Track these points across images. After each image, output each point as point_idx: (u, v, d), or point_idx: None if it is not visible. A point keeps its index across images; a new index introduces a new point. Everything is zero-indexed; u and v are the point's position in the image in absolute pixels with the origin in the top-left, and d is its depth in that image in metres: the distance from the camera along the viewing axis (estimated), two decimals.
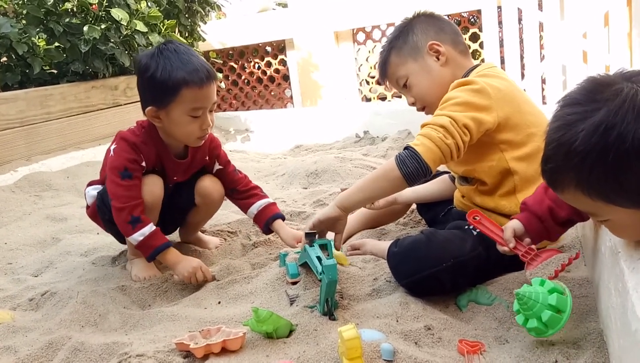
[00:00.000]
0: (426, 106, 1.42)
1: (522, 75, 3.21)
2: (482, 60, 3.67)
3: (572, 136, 0.82)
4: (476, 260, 1.24)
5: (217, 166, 1.67)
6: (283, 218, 1.66)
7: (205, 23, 4.32)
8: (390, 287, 1.29)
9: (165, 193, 1.56)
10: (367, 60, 4.32)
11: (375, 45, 4.26)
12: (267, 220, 1.63)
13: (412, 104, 1.45)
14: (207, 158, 1.65)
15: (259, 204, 1.65)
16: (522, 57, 3.23)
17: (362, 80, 4.41)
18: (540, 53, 3.16)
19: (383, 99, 4.33)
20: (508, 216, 1.29)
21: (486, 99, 1.24)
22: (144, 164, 1.50)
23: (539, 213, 1.13)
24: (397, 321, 1.13)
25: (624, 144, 0.77)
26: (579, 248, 1.41)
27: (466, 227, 1.30)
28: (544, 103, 3.22)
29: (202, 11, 4.16)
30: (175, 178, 1.60)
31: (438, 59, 1.38)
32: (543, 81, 3.22)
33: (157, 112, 1.46)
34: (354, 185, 1.33)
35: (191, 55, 1.46)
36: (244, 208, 1.68)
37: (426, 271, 1.20)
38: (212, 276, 1.47)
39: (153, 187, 1.50)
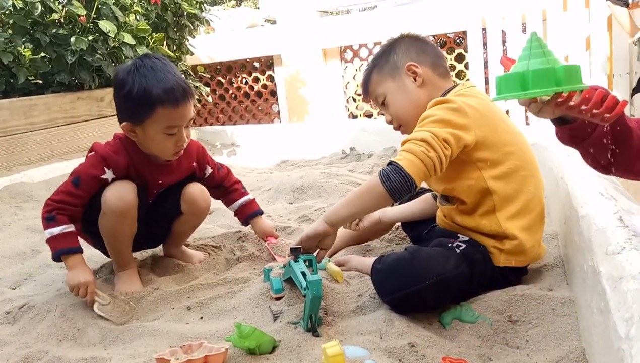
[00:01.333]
0: (401, 125, 1.44)
1: None
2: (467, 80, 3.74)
3: None
4: (459, 278, 1.25)
5: (208, 170, 1.72)
6: (261, 214, 1.81)
7: (193, 37, 4.33)
8: (374, 304, 1.29)
9: (148, 201, 1.55)
10: (354, 78, 4.37)
11: (362, 64, 4.31)
12: (246, 217, 1.77)
13: (389, 122, 1.47)
14: (194, 164, 1.66)
15: (241, 202, 1.77)
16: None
17: (349, 97, 4.45)
18: None
19: (369, 116, 4.37)
20: (489, 236, 1.30)
21: (463, 117, 1.25)
22: (105, 176, 1.48)
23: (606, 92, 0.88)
24: (381, 338, 1.13)
25: None
26: (561, 266, 1.42)
27: (449, 244, 1.31)
28: (527, 123, 3.28)
29: (190, 25, 4.17)
30: (160, 181, 1.59)
31: (415, 79, 1.40)
32: None
33: (133, 127, 1.47)
34: (340, 201, 1.33)
35: (167, 72, 1.45)
36: (227, 204, 1.80)
37: (409, 288, 1.20)
38: (92, 301, 1.39)
39: (123, 193, 1.48)
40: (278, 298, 1.33)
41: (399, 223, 1.77)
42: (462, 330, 1.18)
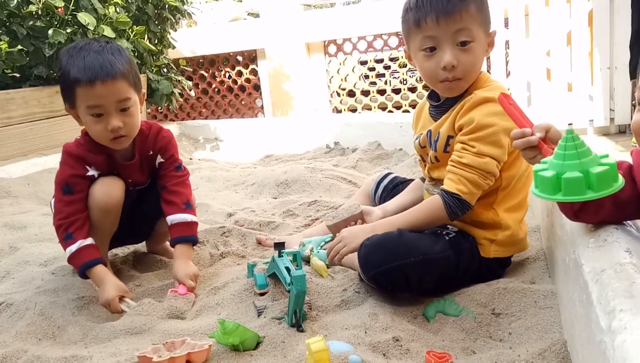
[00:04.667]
0: (462, 79, 1.26)
1: None
2: None
3: None
4: (444, 261, 1.26)
5: (159, 159, 1.56)
6: (193, 242, 1.52)
7: (175, 30, 4.27)
8: (359, 298, 1.29)
9: (129, 198, 1.51)
10: (338, 72, 4.36)
11: (346, 58, 4.29)
12: (174, 239, 1.51)
13: (451, 67, 1.22)
14: (150, 152, 1.55)
15: (174, 219, 1.51)
16: (489, 73, 3.32)
17: (333, 91, 4.44)
18: (506, 69, 3.25)
19: (354, 110, 4.36)
20: (481, 227, 1.31)
21: (509, 119, 1.20)
22: (90, 173, 1.45)
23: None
24: (366, 332, 1.13)
25: None
26: (543, 259, 1.44)
27: (438, 231, 1.32)
28: None
29: (172, 18, 4.11)
30: (130, 180, 1.54)
31: (488, 48, 1.29)
32: None
33: (71, 110, 1.43)
34: (403, 217, 1.33)
35: (97, 52, 1.36)
36: (164, 214, 1.54)
37: (394, 262, 1.20)
38: (121, 310, 1.34)
39: (110, 189, 1.45)
40: (262, 294, 1.32)
41: None
42: (446, 323, 1.18)
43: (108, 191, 1.45)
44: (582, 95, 3.01)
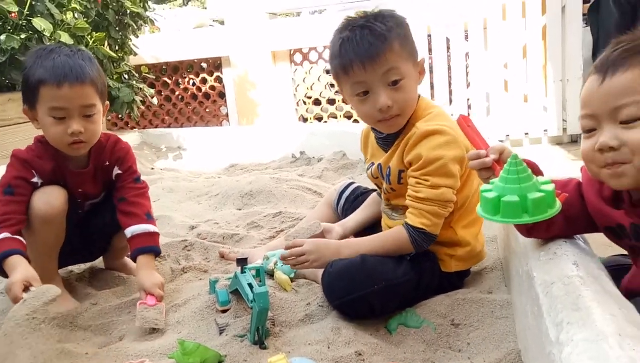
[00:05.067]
0: (400, 115, 1.26)
1: (450, 101, 3.37)
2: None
3: None
4: (407, 284, 1.28)
5: (116, 170, 1.53)
6: (156, 254, 1.50)
7: (137, 37, 4.19)
8: (322, 312, 1.29)
9: (77, 211, 1.46)
10: (303, 80, 4.37)
11: (312, 67, 4.31)
12: (135, 250, 1.47)
13: (387, 108, 1.22)
14: (107, 162, 1.52)
15: (135, 229, 1.47)
16: (450, 83, 3.40)
17: (299, 100, 4.45)
18: (467, 80, 3.34)
19: (319, 119, 4.38)
20: (441, 244, 1.33)
21: (458, 147, 1.23)
22: (35, 179, 1.41)
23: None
24: (329, 347, 1.13)
25: None
26: (500, 268, 1.48)
27: None
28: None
29: (133, 25, 4.03)
30: (80, 190, 1.50)
31: (419, 75, 1.29)
32: (469, 106, 3.41)
33: (31, 112, 1.41)
34: (364, 241, 1.34)
35: (67, 55, 1.37)
36: (122, 226, 1.50)
37: (357, 292, 1.21)
38: (21, 297, 1.19)
39: (50, 198, 1.40)
40: (224, 311, 1.31)
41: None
42: (407, 335, 1.20)
43: (48, 200, 1.39)
44: (537, 106, 3.13)
